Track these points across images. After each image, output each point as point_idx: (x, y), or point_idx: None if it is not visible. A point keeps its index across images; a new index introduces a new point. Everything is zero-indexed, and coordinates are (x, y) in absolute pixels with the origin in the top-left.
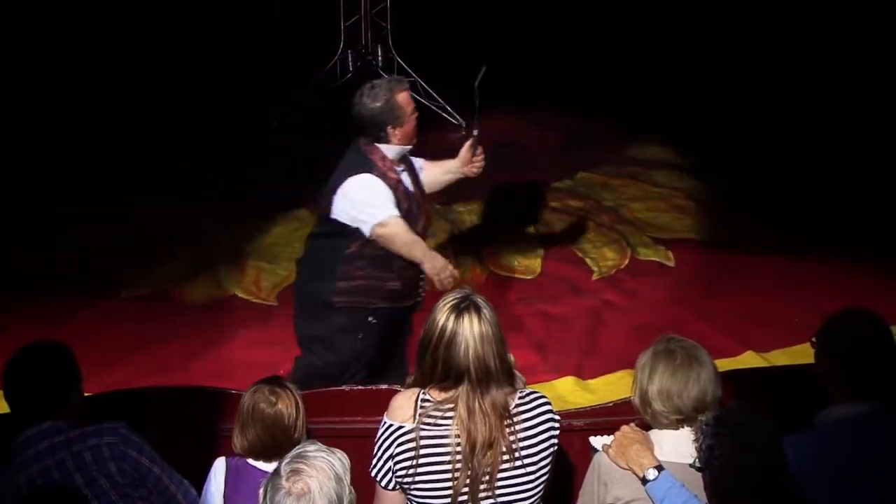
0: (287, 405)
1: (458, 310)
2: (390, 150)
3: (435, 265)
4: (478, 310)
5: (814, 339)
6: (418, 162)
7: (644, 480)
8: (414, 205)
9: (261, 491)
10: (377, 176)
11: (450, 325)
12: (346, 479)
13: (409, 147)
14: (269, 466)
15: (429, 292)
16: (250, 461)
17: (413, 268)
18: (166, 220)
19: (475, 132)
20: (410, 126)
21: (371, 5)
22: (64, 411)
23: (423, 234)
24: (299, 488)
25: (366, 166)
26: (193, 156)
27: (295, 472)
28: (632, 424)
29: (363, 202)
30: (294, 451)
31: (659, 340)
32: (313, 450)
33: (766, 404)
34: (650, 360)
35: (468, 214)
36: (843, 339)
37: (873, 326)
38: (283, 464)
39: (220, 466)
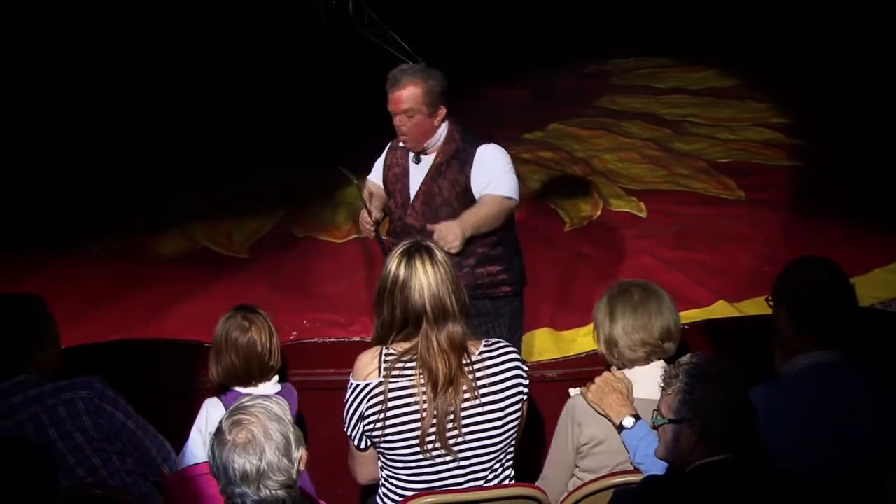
0: (260, 331)
1: (410, 254)
2: None
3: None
4: (429, 252)
5: (769, 298)
6: (477, 182)
7: (620, 427)
8: (399, 185)
9: (207, 452)
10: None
11: (402, 270)
12: (287, 417)
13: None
14: (251, 390)
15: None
16: (238, 389)
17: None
18: (137, 174)
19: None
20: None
21: None
22: (38, 363)
23: (399, 221)
24: (243, 437)
25: None
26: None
27: (235, 423)
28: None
29: None
30: (231, 407)
31: (611, 287)
32: (247, 400)
33: (739, 354)
34: (608, 305)
35: None
36: (804, 286)
37: (828, 272)
38: (223, 419)
39: (214, 405)
